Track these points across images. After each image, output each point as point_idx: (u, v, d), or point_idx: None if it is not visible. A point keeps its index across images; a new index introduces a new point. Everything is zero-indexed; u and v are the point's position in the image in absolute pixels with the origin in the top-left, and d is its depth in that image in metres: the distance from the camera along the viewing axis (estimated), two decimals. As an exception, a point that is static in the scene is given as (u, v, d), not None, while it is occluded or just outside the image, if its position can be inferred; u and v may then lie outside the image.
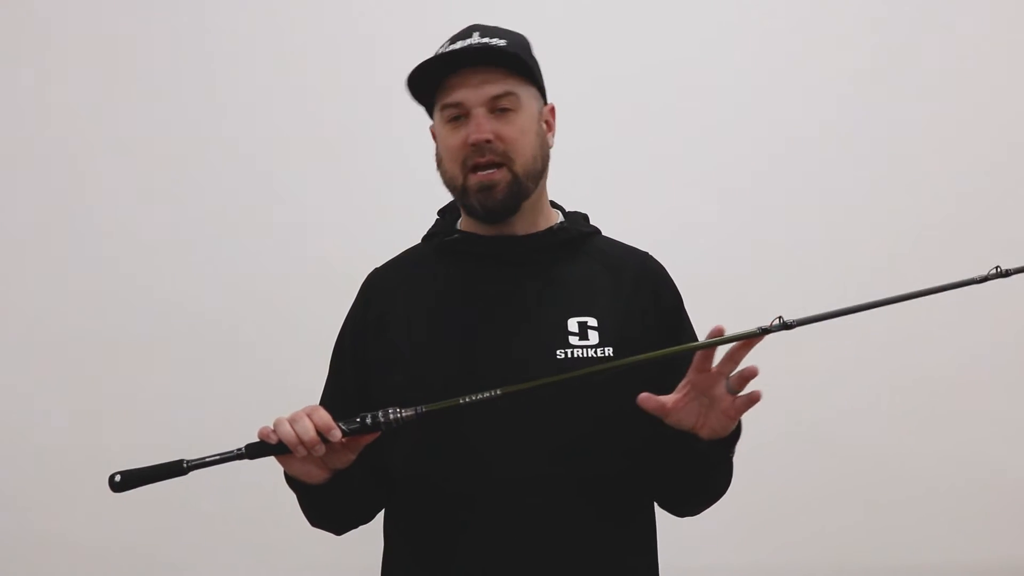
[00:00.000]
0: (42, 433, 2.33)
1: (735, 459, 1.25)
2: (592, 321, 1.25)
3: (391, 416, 1.12)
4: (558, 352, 1.22)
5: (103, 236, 2.37)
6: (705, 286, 2.23)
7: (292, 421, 1.11)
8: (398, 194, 2.28)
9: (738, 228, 2.36)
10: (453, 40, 1.28)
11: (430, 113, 1.33)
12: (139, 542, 2.28)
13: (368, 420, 1.13)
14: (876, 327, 2.34)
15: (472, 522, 1.21)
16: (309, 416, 1.12)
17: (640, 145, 2.38)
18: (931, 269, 2.31)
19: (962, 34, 2.40)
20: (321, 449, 1.11)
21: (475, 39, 1.26)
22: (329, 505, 1.26)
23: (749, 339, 1.08)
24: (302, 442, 1.10)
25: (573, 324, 1.24)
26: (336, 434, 1.11)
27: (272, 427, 1.12)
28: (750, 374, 1.08)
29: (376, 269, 1.40)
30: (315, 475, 1.17)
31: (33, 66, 2.39)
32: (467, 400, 1.12)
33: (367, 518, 1.34)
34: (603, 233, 1.40)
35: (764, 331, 1.08)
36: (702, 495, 1.31)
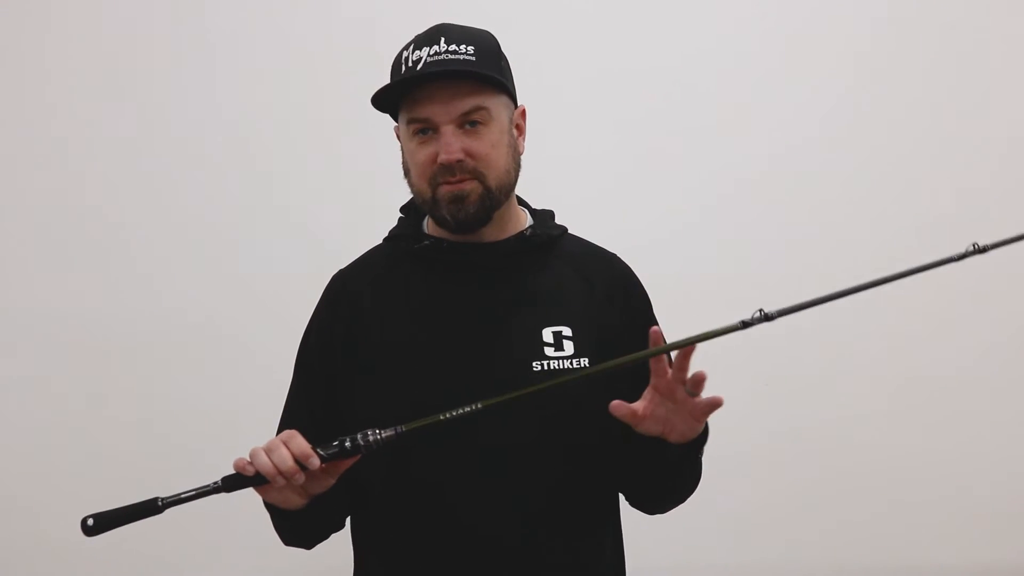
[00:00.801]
0: (42, 433, 2.32)
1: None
2: (566, 331, 1.24)
3: (370, 438, 1.08)
4: (534, 364, 1.21)
5: (103, 236, 2.36)
6: (703, 286, 2.26)
7: (269, 451, 1.08)
8: (401, 195, 2.27)
9: (737, 229, 2.36)
10: (419, 44, 1.21)
11: (394, 116, 1.28)
12: (139, 542, 2.27)
13: (347, 444, 1.09)
14: (877, 327, 2.34)
15: (453, 514, 1.20)
16: (286, 444, 1.08)
17: (639, 145, 2.38)
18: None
19: (962, 33, 2.40)
20: (300, 478, 1.07)
21: (441, 46, 1.20)
22: (306, 527, 1.25)
23: (686, 350, 1.06)
24: (280, 472, 1.07)
25: (548, 334, 1.23)
26: (314, 462, 1.07)
27: (248, 458, 1.09)
28: (700, 378, 1.08)
29: (340, 272, 1.36)
30: (293, 501, 1.14)
31: (33, 66, 2.39)
32: (448, 416, 1.09)
33: (339, 527, 1.32)
34: (570, 231, 1.37)
35: (745, 324, 1.06)
36: (672, 495, 1.32)
